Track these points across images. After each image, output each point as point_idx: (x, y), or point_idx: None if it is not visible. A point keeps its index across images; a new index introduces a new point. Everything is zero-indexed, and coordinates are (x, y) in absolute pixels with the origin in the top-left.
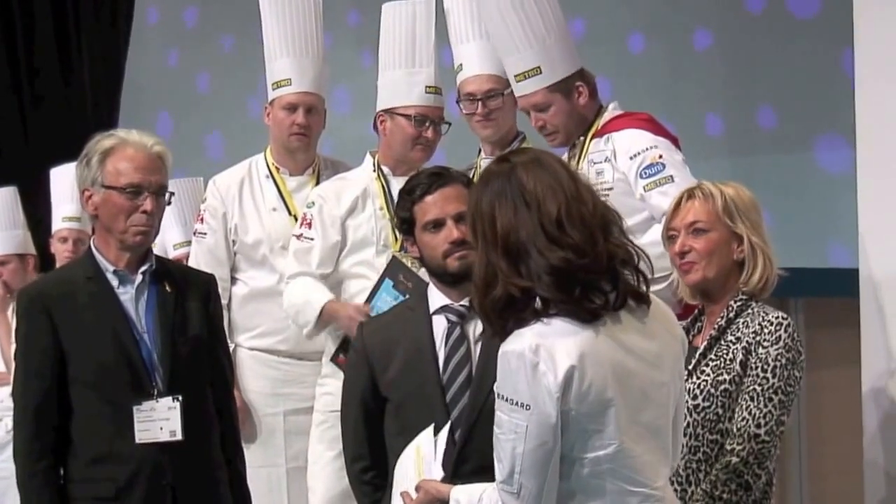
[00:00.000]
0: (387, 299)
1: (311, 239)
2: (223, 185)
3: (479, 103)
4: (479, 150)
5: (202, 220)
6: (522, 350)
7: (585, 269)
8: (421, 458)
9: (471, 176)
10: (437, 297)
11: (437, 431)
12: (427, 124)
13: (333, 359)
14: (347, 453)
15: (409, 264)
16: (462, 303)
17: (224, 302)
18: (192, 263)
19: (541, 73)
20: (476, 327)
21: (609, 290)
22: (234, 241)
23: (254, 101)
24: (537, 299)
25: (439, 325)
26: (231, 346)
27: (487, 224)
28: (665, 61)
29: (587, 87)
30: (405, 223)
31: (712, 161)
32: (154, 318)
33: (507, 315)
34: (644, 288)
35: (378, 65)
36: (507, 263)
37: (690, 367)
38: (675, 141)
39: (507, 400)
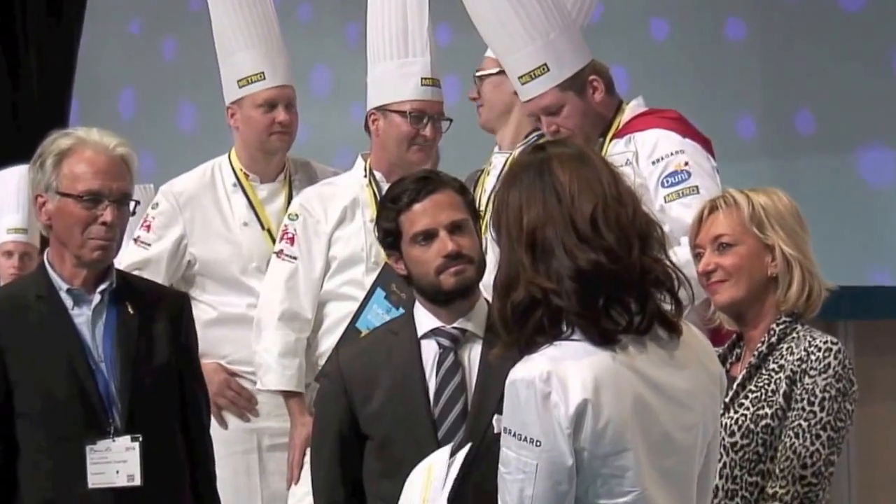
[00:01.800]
0: (378, 312)
1: (294, 258)
2: (181, 192)
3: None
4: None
5: (149, 227)
6: (532, 378)
7: (614, 277)
8: (430, 482)
9: (482, 176)
10: (425, 319)
11: (454, 452)
12: (425, 121)
13: (318, 378)
14: (319, 498)
15: None
16: (455, 325)
17: None
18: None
19: (548, 70)
20: (472, 353)
21: (635, 311)
22: (189, 261)
23: None
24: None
25: (429, 351)
26: None
27: (513, 218)
28: (691, 53)
29: (602, 81)
30: (389, 236)
31: (741, 166)
32: (113, 345)
33: (526, 322)
34: (677, 316)
35: (366, 46)
36: (531, 261)
37: (727, 400)
38: (706, 144)
39: (514, 435)
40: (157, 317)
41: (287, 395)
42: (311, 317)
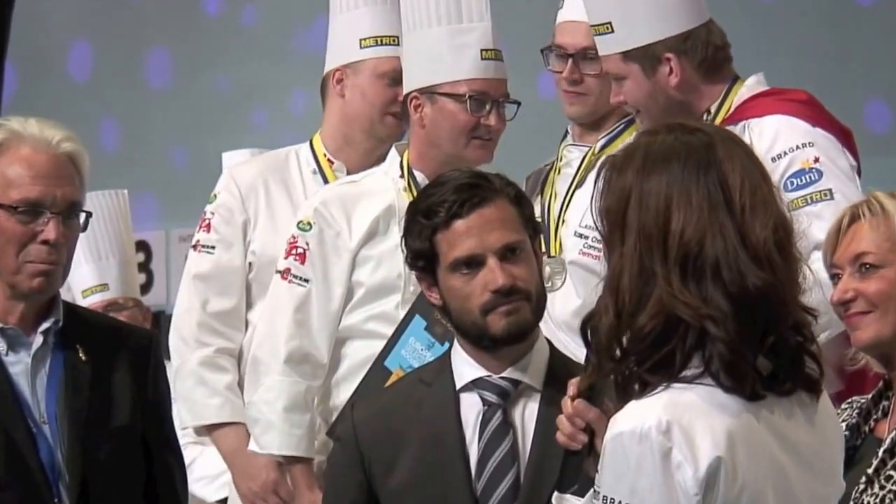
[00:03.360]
0: (416, 347)
1: (306, 281)
2: (245, 178)
3: (571, 62)
4: (566, 133)
5: (209, 226)
6: (647, 430)
7: (778, 316)
8: None
9: (551, 174)
10: (466, 367)
11: None
12: (488, 106)
13: (330, 433)
14: None
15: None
16: (505, 374)
17: (221, 368)
18: (186, 292)
19: (611, 31)
20: (526, 412)
21: (782, 366)
22: (250, 262)
23: None
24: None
25: (471, 407)
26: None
27: (655, 216)
28: (810, 18)
29: (686, 63)
30: (420, 258)
31: (871, 163)
32: (59, 401)
33: (654, 354)
34: (819, 375)
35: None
36: (680, 276)
37: (870, 471)
38: (845, 136)
39: None
40: (117, 364)
41: (291, 461)
42: (327, 360)
